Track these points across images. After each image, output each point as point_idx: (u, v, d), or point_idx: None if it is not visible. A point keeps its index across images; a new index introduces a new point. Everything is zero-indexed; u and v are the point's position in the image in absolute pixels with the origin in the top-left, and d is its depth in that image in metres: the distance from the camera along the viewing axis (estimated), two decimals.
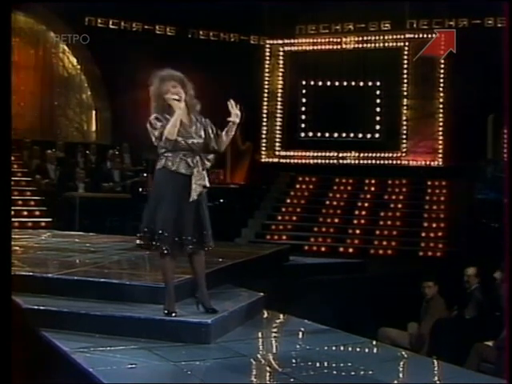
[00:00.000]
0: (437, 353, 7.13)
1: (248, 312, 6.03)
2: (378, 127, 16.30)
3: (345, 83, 16.34)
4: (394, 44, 16.21)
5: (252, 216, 14.93)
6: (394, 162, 16.21)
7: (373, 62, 16.29)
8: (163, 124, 5.15)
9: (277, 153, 16.93)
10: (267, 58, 17.03)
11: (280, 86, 17.00)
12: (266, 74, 17.05)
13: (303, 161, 16.72)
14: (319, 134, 16.60)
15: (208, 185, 5.30)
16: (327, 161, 16.50)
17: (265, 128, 17.01)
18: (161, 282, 5.50)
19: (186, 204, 5.16)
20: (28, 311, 5.43)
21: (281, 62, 16.99)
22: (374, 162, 16.27)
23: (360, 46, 16.35)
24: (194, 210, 5.20)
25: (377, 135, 16.33)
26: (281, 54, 17.00)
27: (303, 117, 16.71)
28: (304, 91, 16.68)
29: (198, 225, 5.23)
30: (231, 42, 16.82)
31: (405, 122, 16.18)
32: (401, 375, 4.99)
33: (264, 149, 16.92)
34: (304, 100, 16.68)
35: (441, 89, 15.86)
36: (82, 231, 10.98)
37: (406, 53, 16.05)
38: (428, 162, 15.98)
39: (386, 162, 16.24)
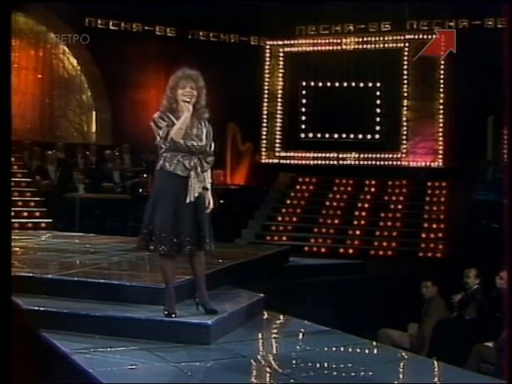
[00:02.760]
0: (437, 354, 7.14)
1: (248, 313, 6.03)
2: (378, 128, 16.27)
3: (345, 84, 16.32)
4: (394, 45, 16.17)
5: (252, 217, 14.92)
6: (394, 162, 16.20)
7: (373, 62, 16.26)
8: (168, 124, 5.18)
9: (277, 153, 16.90)
10: (267, 58, 17.01)
11: (280, 87, 16.98)
12: (266, 75, 17.03)
13: (303, 161, 16.70)
14: (319, 135, 16.58)
15: (209, 187, 5.32)
16: (327, 162, 16.47)
17: (265, 129, 16.99)
18: (161, 283, 5.50)
19: (183, 205, 5.17)
20: (28, 312, 5.43)
21: (281, 62, 16.97)
22: (374, 162, 16.25)
23: (360, 46, 16.32)
24: (191, 211, 5.21)
25: (377, 136, 16.31)
26: (281, 54, 16.97)
27: (303, 118, 16.69)
28: (304, 92, 16.66)
29: (196, 226, 5.23)
30: (231, 43, 16.81)
31: (405, 123, 16.14)
32: (401, 376, 4.99)
33: (264, 149, 16.90)
34: (304, 101, 16.66)
35: (441, 90, 15.83)
36: (82, 232, 10.98)
37: (406, 54, 16.01)
38: (428, 163, 15.97)
39: (386, 162, 16.22)
